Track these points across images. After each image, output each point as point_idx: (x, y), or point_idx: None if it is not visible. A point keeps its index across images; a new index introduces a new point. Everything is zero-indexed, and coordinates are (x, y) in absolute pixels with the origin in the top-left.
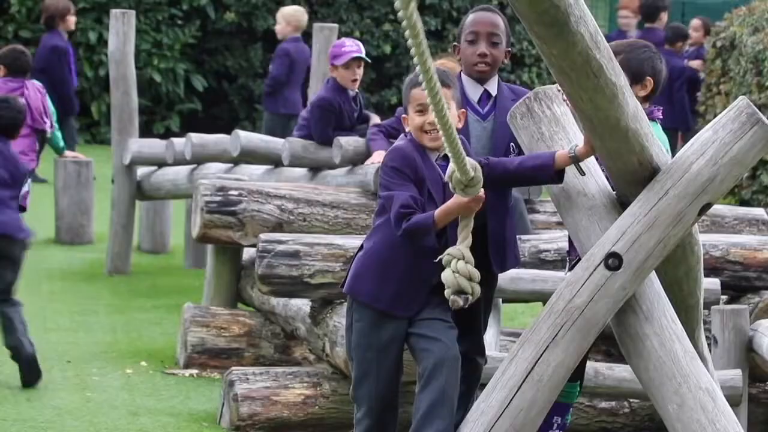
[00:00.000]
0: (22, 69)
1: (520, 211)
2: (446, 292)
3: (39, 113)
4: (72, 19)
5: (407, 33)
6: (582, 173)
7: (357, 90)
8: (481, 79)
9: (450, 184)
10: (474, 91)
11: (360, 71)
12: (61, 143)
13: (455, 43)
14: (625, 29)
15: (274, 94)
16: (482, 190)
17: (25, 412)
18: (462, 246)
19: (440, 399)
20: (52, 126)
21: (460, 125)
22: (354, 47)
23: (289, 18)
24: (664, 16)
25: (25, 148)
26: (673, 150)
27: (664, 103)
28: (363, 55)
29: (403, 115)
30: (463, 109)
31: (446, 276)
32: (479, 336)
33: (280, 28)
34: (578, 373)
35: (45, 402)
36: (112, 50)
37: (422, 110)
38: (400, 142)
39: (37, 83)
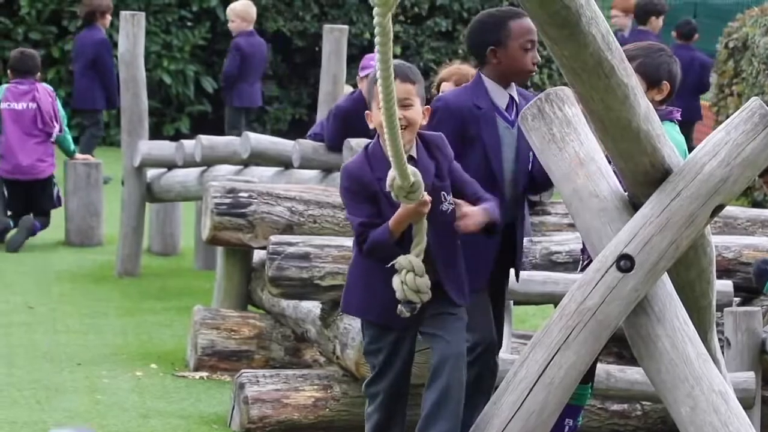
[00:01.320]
0: (28, 69)
1: None
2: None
3: (49, 117)
4: (109, 18)
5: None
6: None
7: None
8: (506, 85)
9: (392, 193)
10: (501, 98)
11: None
12: (72, 146)
13: (492, 47)
14: (619, 29)
15: (230, 88)
16: (425, 194)
17: (35, 414)
18: (412, 256)
19: (443, 398)
20: (61, 130)
21: (424, 122)
22: None
23: (240, 13)
24: (657, 21)
25: (41, 155)
26: (690, 143)
27: (684, 99)
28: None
29: (367, 111)
30: (428, 106)
31: (395, 284)
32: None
33: (234, 25)
34: (589, 375)
35: (55, 405)
36: (121, 52)
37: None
38: (352, 158)
39: (47, 87)
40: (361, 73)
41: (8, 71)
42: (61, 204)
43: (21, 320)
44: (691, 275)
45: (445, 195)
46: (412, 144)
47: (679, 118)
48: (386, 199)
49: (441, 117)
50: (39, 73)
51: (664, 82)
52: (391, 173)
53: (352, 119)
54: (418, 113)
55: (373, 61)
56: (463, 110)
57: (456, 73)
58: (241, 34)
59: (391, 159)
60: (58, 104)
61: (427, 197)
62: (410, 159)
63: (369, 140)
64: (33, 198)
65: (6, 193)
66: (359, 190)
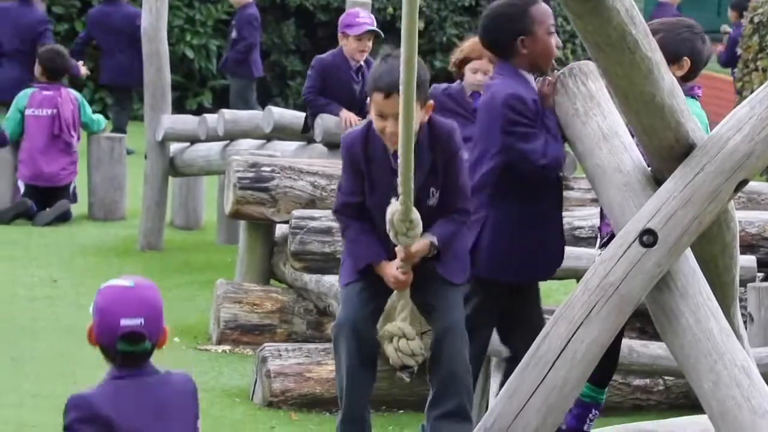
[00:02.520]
0: (57, 71)
1: None
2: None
3: (67, 125)
4: None
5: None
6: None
7: (363, 63)
8: (535, 73)
9: (390, 231)
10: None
11: (370, 44)
12: (102, 125)
13: (522, 37)
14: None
15: (245, 60)
16: (410, 272)
17: (58, 387)
18: (399, 322)
19: (448, 378)
20: (78, 139)
21: (425, 119)
22: (368, 19)
23: None
24: None
25: (64, 164)
26: None
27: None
28: (375, 27)
29: (369, 100)
30: (431, 102)
31: (389, 352)
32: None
33: None
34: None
35: (78, 378)
36: (145, 26)
37: (382, 116)
38: (354, 129)
39: (72, 92)
40: (348, 31)
41: (37, 69)
42: (77, 201)
43: (45, 294)
44: (714, 250)
45: (434, 191)
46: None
47: (700, 95)
48: (369, 183)
49: (520, 110)
50: (64, 75)
51: (685, 58)
52: (391, 208)
53: (330, 72)
54: (419, 119)
55: (356, 18)
56: (533, 102)
57: (478, 48)
58: (246, 6)
59: (400, 187)
60: (83, 110)
61: (407, 271)
62: None
63: (335, 117)
64: (51, 199)
65: (22, 192)
66: (350, 161)
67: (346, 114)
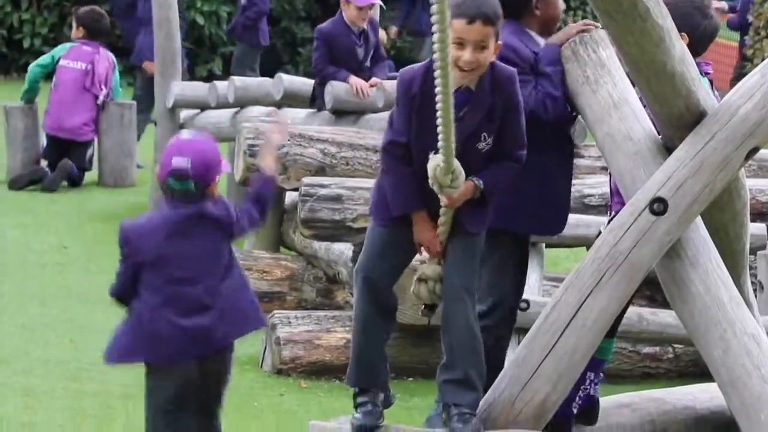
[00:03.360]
0: (99, 33)
1: None
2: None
3: (99, 80)
4: None
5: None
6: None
7: (366, 27)
8: (544, 35)
9: (434, 184)
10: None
11: (371, 12)
12: (120, 93)
13: None
14: None
15: (253, 26)
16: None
17: (68, 353)
18: (435, 265)
19: (457, 346)
20: (108, 96)
21: (493, 58)
22: None
23: None
24: None
25: (87, 120)
26: None
27: None
28: (379, 1)
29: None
30: (499, 42)
31: (423, 293)
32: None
33: None
34: (613, 329)
35: (88, 343)
36: (156, 8)
37: (461, 44)
38: (414, 65)
39: (110, 55)
40: (355, 1)
41: (78, 26)
42: (91, 168)
43: (55, 260)
44: (724, 218)
45: (486, 136)
46: (474, 79)
47: (710, 71)
48: (418, 123)
49: (509, 58)
50: (107, 36)
51: (683, 33)
52: (433, 162)
53: (334, 40)
54: (490, 55)
55: None
56: (530, 55)
57: None
58: None
59: (440, 146)
60: (115, 74)
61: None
62: (467, 90)
63: (345, 84)
64: (69, 155)
65: (45, 144)
66: (405, 98)
67: (355, 80)
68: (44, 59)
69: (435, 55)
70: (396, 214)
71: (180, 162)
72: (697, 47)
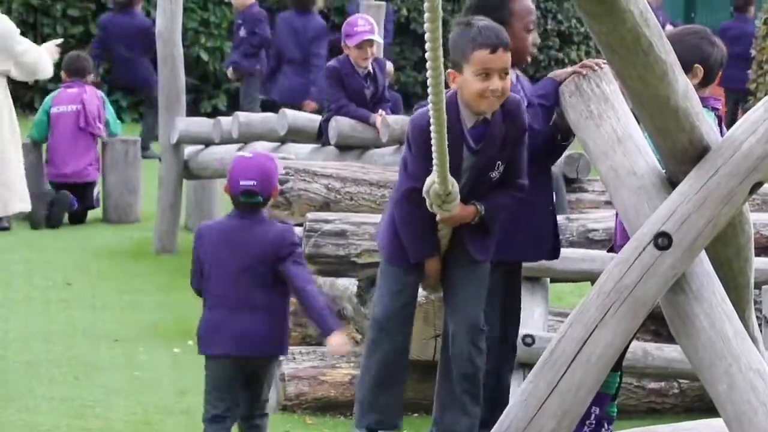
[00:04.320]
0: (77, 71)
1: (557, 188)
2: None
3: (93, 117)
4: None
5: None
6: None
7: (373, 68)
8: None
9: (427, 200)
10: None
11: (372, 50)
12: (119, 128)
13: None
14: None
15: (257, 55)
16: (458, 205)
17: (72, 390)
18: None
19: (458, 381)
20: (105, 132)
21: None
22: (366, 27)
23: None
24: None
25: (90, 161)
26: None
27: (737, 69)
28: (375, 36)
29: (450, 71)
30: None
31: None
32: None
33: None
34: (617, 363)
35: (93, 381)
36: (159, 29)
37: (488, 74)
38: (422, 110)
39: (97, 91)
40: (347, 41)
41: (62, 73)
42: (99, 206)
43: (60, 297)
44: (728, 253)
45: (500, 164)
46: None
47: (718, 107)
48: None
49: None
50: (91, 75)
51: (696, 65)
52: (429, 179)
53: (342, 79)
54: (511, 82)
55: (355, 27)
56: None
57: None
58: (252, 5)
59: (435, 164)
60: (107, 108)
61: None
62: (484, 121)
63: (349, 120)
64: (76, 196)
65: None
66: (422, 142)
67: (379, 117)
68: (39, 117)
69: (428, 73)
70: (414, 262)
71: (248, 183)
72: (709, 76)
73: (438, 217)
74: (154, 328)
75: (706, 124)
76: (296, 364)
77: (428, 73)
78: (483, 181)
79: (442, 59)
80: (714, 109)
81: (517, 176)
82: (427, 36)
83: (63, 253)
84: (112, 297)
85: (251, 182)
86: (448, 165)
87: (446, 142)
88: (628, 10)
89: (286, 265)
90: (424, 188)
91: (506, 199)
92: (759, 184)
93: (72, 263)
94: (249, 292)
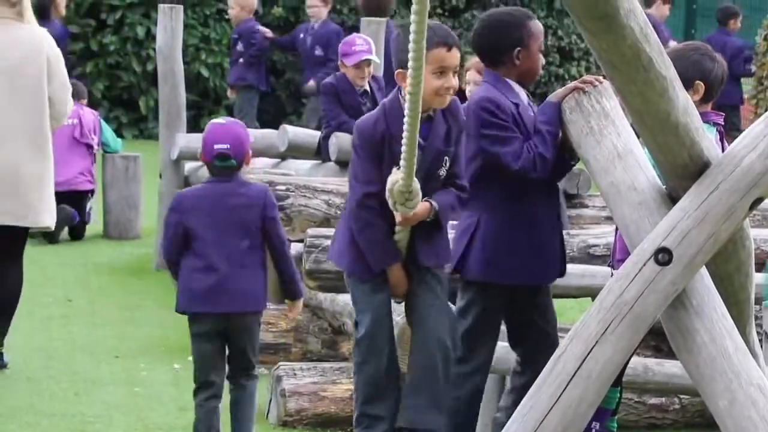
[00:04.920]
0: (74, 94)
1: None
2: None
3: (88, 129)
4: None
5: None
6: None
7: (371, 86)
8: (522, 85)
9: (389, 199)
10: (523, 97)
11: (370, 69)
12: (120, 146)
13: (519, 48)
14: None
15: (257, 66)
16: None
17: (73, 407)
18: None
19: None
20: (99, 144)
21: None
22: (365, 47)
23: (240, 2)
24: (663, 8)
25: (83, 170)
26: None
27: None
28: (373, 56)
29: (399, 71)
30: None
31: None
32: None
33: (234, 12)
34: (618, 378)
35: (93, 397)
36: (159, 45)
37: (443, 72)
38: (367, 114)
39: (94, 111)
40: (345, 60)
41: None
42: (90, 221)
43: (60, 313)
44: (729, 268)
45: (447, 160)
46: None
47: (720, 122)
48: (390, 161)
49: (493, 112)
50: (85, 99)
51: (697, 81)
52: (392, 177)
53: (340, 96)
54: (523, 102)
55: (353, 47)
56: (511, 107)
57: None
58: (246, 21)
59: (402, 159)
60: (102, 127)
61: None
62: (428, 119)
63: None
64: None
65: None
66: (369, 147)
67: None
68: None
69: (409, 81)
70: (378, 270)
71: (221, 146)
72: (710, 93)
73: (398, 218)
74: (154, 344)
75: (707, 139)
76: (297, 380)
77: (409, 73)
78: (433, 177)
79: (424, 60)
80: (716, 124)
81: (457, 177)
82: (412, 37)
83: (63, 269)
84: (112, 313)
85: (225, 145)
86: (415, 159)
87: (416, 140)
88: (629, 26)
89: (268, 223)
90: (387, 187)
91: (452, 198)
92: (759, 200)
93: (72, 279)
94: (234, 251)
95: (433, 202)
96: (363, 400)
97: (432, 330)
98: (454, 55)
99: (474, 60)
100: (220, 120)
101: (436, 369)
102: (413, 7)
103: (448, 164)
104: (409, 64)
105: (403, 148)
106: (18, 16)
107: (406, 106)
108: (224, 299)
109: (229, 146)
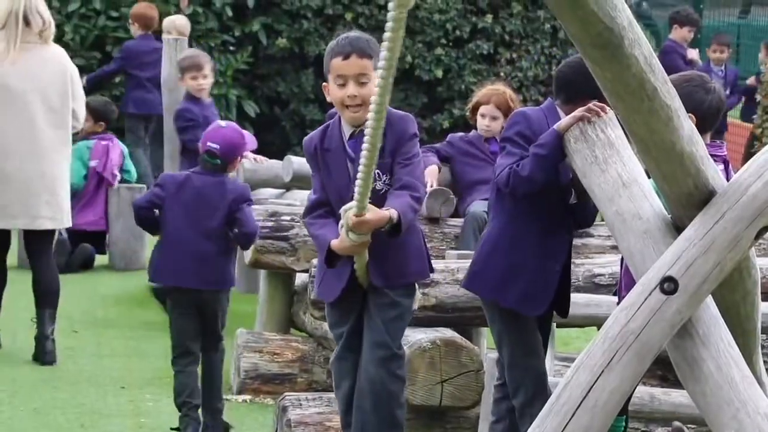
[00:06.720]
0: (108, 118)
1: None
2: None
3: (112, 173)
4: None
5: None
6: None
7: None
8: None
9: (342, 227)
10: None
11: None
12: (135, 176)
13: (595, 100)
14: None
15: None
16: (368, 237)
17: None
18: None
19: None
20: (114, 180)
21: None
22: None
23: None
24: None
25: (101, 213)
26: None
27: None
28: None
29: (324, 84)
30: None
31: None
32: None
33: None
34: (624, 407)
35: (100, 428)
36: (164, 77)
37: (343, 82)
38: (313, 132)
39: (121, 144)
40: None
41: (90, 117)
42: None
43: (66, 344)
44: (735, 297)
45: (380, 174)
46: (364, 119)
47: (719, 153)
48: (326, 173)
49: (517, 123)
50: (114, 121)
51: (689, 114)
52: (347, 205)
53: None
54: (373, 90)
55: None
56: (543, 129)
57: (494, 94)
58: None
59: (357, 185)
60: (126, 160)
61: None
62: (361, 132)
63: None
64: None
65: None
66: (312, 160)
67: None
68: (78, 168)
69: (372, 106)
70: (330, 267)
71: (213, 145)
72: (704, 124)
73: (351, 222)
74: (160, 375)
75: (712, 168)
76: (302, 410)
77: (378, 82)
78: (371, 192)
79: (393, 77)
80: (714, 156)
81: (408, 188)
82: (382, 54)
83: (69, 300)
84: (118, 344)
85: (216, 145)
86: (369, 190)
87: (374, 162)
88: (633, 55)
89: (241, 207)
90: (341, 212)
91: (405, 200)
92: (765, 229)
93: (78, 310)
94: (203, 233)
95: (391, 211)
96: (343, 414)
97: (363, 364)
98: (355, 63)
99: (495, 96)
100: (222, 123)
101: (366, 410)
102: (389, 16)
103: (385, 179)
104: (377, 81)
105: (358, 181)
106: (44, 41)
107: (366, 141)
108: (194, 277)
109: (218, 147)
